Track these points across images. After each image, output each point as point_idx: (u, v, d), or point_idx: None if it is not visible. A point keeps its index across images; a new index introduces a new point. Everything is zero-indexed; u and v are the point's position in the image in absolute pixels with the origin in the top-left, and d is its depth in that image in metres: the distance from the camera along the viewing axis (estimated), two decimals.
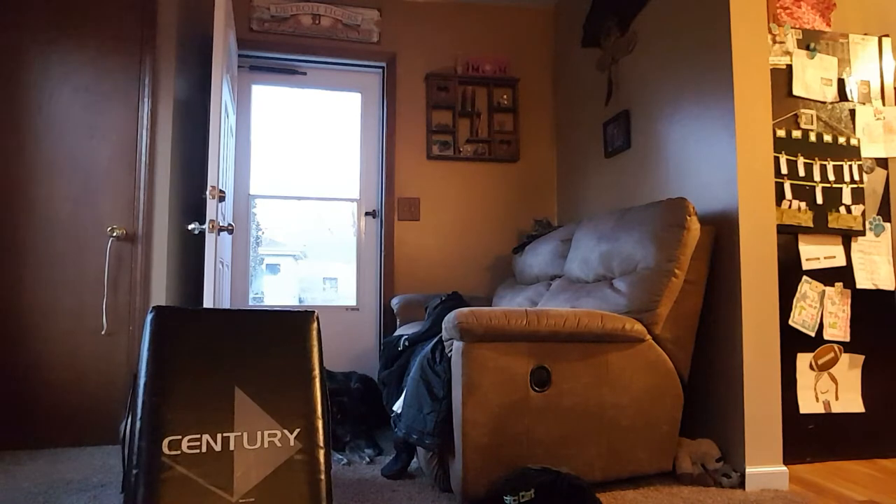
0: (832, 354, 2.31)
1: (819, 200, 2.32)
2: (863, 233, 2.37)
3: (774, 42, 2.35)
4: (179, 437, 1.26)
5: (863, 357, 2.34)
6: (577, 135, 3.49)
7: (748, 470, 1.94)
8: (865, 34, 2.49)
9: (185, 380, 1.32)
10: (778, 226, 2.12)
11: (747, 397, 1.96)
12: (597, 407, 1.86)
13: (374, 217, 3.65)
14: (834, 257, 2.34)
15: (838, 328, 2.32)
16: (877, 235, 2.41)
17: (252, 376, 1.38)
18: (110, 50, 2.57)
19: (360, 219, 3.66)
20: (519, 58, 3.77)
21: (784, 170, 2.29)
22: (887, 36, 2.51)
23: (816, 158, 2.34)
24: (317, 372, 1.44)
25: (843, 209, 2.35)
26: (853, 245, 2.37)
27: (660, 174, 2.58)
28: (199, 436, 1.28)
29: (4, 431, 2.37)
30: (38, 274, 2.45)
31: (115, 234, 2.51)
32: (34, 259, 2.45)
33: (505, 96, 3.71)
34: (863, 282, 2.36)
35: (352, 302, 3.62)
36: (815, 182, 2.33)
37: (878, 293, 2.38)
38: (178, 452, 1.25)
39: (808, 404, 2.25)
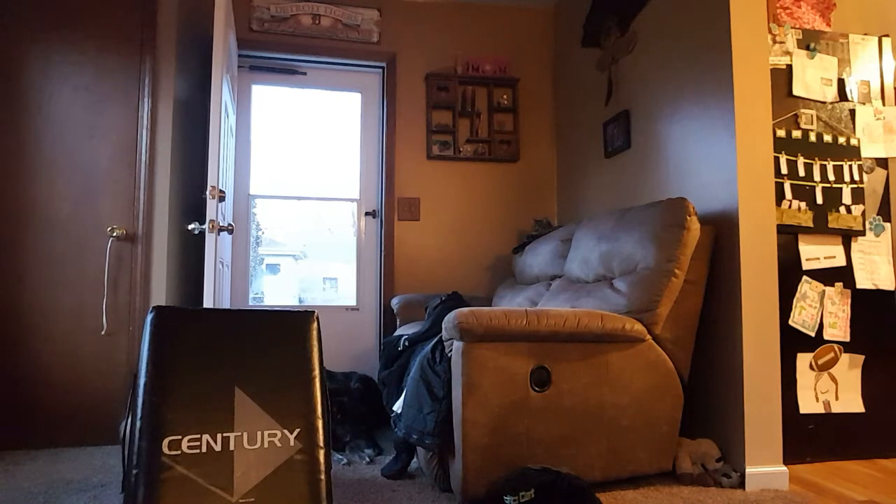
0: (832, 354, 2.31)
1: (819, 200, 2.32)
2: (863, 233, 2.37)
3: (774, 42, 2.35)
4: (179, 437, 1.26)
5: (863, 357, 2.34)
6: (577, 135, 3.49)
7: (748, 470, 1.94)
8: (865, 34, 2.49)
9: (185, 380, 1.32)
10: (778, 226, 2.12)
11: (747, 397, 1.96)
12: (597, 407, 1.86)
13: (374, 217, 3.65)
14: (834, 257, 2.34)
15: (838, 328, 2.32)
16: (877, 235, 2.41)
17: (252, 376, 1.38)
18: (110, 50, 2.57)
19: (360, 219, 3.66)
20: (519, 58, 3.77)
21: (784, 170, 2.29)
22: (887, 36, 2.51)
23: (816, 158, 2.34)
24: (317, 372, 1.44)
25: (843, 209, 2.35)
26: (853, 245, 2.37)
27: (660, 174, 2.58)
28: (199, 436, 1.28)
29: (4, 431, 2.37)
30: (38, 274, 2.45)
31: (115, 234, 2.51)
32: (34, 259, 2.45)
33: (505, 96, 3.71)
34: (863, 282, 2.36)
35: (352, 302, 3.62)
36: (815, 182, 2.33)
37: (878, 293, 2.38)
38: (178, 452, 1.25)
39: (808, 404, 2.25)
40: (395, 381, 2.44)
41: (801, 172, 2.32)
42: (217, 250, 2.26)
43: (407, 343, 2.55)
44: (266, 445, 1.32)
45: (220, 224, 2.26)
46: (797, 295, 2.28)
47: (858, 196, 2.37)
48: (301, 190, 3.69)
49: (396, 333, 2.94)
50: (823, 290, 2.31)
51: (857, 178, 2.38)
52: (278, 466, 1.31)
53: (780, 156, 2.28)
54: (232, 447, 1.29)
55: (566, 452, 1.82)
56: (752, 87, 2.08)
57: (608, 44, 3.08)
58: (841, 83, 2.42)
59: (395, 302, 3.26)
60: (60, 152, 2.51)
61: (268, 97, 3.63)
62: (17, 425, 2.39)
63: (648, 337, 1.95)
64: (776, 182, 2.22)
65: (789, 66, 2.36)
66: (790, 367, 2.23)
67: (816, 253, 2.32)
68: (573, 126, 3.54)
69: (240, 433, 1.31)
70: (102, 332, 2.48)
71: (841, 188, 2.36)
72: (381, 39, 3.59)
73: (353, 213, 3.71)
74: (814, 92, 2.38)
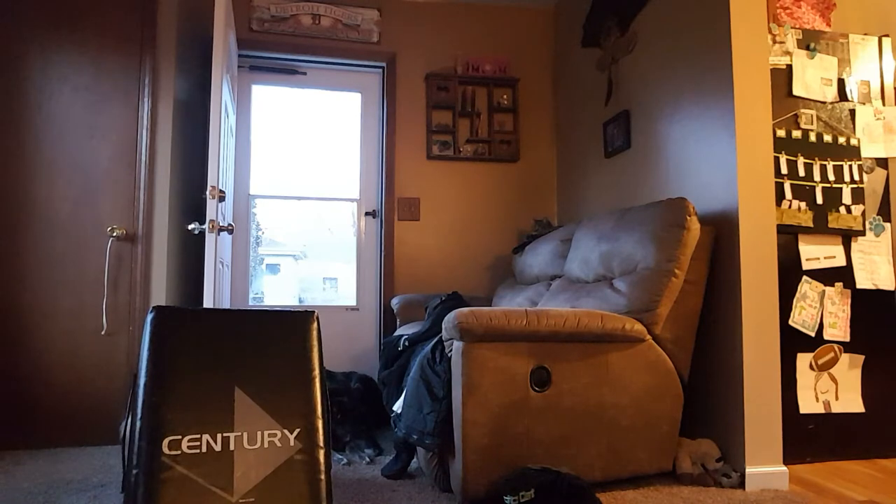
0: (832, 354, 2.31)
1: (819, 200, 2.32)
2: (863, 233, 2.37)
3: (774, 42, 2.35)
4: (179, 436, 1.26)
5: (863, 357, 2.34)
6: (577, 135, 3.49)
7: (748, 470, 1.94)
8: (865, 34, 2.49)
9: (185, 380, 1.32)
10: (778, 226, 2.12)
11: (747, 397, 1.96)
12: (597, 407, 1.86)
13: (374, 217, 3.65)
14: (834, 257, 2.34)
15: (838, 328, 2.32)
16: (877, 235, 2.41)
17: (252, 376, 1.38)
18: (110, 50, 2.57)
19: (360, 219, 3.66)
20: (519, 58, 3.77)
21: (784, 170, 2.29)
22: (887, 36, 2.51)
23: (816, 158, 2.34)
24: (317, 372, 1.44)
25: (843, 209, 2.35)
26: (853, 245, 2.37)
27: (660, 174, 2.58)
28: (199, 436, 1.27)
29: (4, 431, 2.38)
30: (38, 274, 2.45)
31: (115, 234, 2.51)
32: (34, 259, 2.45)
33: (505, 96, 3.71)
34: (863, 282, 2.36)
35: (352, 302, 3.62)
36: (815, 182, 2.33)
37: (878, 293, 2.38)
38: (178, 452, 1.25)
39: (808, 404, 2.25)
40: (395, 381, 2.44)
41: (801, 172, 2.32)
42: (217, 250, 2.26)
43: (407, 343, 2.55)
44: (266, 445, 1.32)
45: (220, 224, 2.26)
46: (797, 295, 2.28)
47: (858, 196, 2.37)
48: (301, 190, 3.69)
49: (396, 333, 2.94)
50: (823, 290, 2.31)
51: (857, 178, 2.38)
52: (278, 466, 1.31)
53: (780, 156, 2.28)
54: (232, 447, 1.29)
55: (566, 452, 1.82)
56: (752, 87, 2.08)
57: (608, 44, 3.08)
58: (841, 83, 2.42)
59: (395, 302, 3.26)
60: (60, 152, 2.51)
61: (268, 97, 3.63)
62: (17, 425, 2.39)
63: (648, 337, 1.95)
64: (776, 182, 2.22)
65: (789, 66, 2.36)
66: (790, 367, 2.23)
67: (816, 253, 2.32)
68: (573, 126, 3.54)
69: (240, 433, 1.31)
70: (102, 332, 2.48)
71: (841, 188, 2.36)
72: (381, 39, 3.59)
73: (353, 213, 3.71)
74: (814, 92, 2.38)
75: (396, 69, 3.60)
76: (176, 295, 2.74)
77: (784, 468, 1.97)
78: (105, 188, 2.54)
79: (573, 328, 1.82)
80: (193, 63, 3.02)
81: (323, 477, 1.34)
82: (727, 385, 2.04)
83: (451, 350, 1.84)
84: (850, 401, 2.31)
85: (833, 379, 2.30)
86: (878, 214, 2.42)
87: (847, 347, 2.32)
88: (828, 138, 2.37)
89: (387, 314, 3.44)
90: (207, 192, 2.21)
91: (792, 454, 2.11)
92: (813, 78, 2.38)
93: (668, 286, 1.98)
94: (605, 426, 1.87)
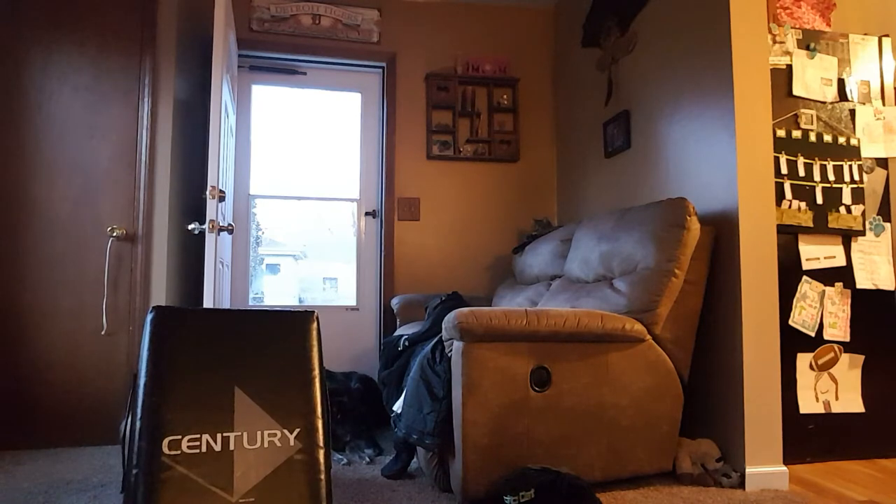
0: (832, 354, 2.31)
1: (819, 200, 2.32)
2: (863, 233, 2.37)
3: (774, 42, 2.35)
4: (179, 436, 1.26)
5: (863, 357, 2.34)
6: (577, 135, 3.49)
7: (748, 470, 1.94)
8: (865, 34, 2.49)
9: (185, 380, 1.32)
10: (778, 226, 2.12)
11: (747, 397, 1.96)
12: (597, 407, 1.86)
13: (374, 217, 3.65)
14: (834, 257, 2.34)
15: (838, 328, 2.32)
16: (877, 235, 2.41)
17: (252, 376, 1.37)
18: (110, 50, 2.57)
19: (360, 219, 3.66)
20: (519, 58, 3.77)
21: (784, 170, 2.29)
22: (887, 36, 2.51)
23: (816, 158, 2.34)
24: (316, 372, 1.44)
25: (843, 209, 2.35)
26: (853, 245, 2.37)
27: (660, 174, 2.58)
28: (198, 436, 1.27)
29: (4, 431, 2.38)
30: (38, 274, 2.45)
31: (115, 234, 2.51)
32: (34, 259, 2.45)
33: (505, 96, 3.71)
34: (863, 282, 2.36)
35: (352, 302, 3.62)
36: (815, 182, 2.33)
37: (878, 293, 2.38)
38: (178, 452, 1.25)
39: (808, 404, 2.25)
40: (395, 381, 2.44)
41: (801, 172, 2.32)
42: (217, 250, 2.26)
43: (407, 343, 2.55)
44: (266, 445, 1.32)
45: (220, 224, 2.26)
46: (797, 295, 2.28)
47: (858, 196, 2.37)
48: (301, 190, 3.69)
49: (396, 333, 2.94)
50: (823, 290, 2.31)
51: (857, 178, 2.38)
52: (278, 466, 1.31)
53: (780, 156, 2.28)
54: (232, 447, 1.29)
55: (566, 452, 1.82)
56: (752, 87, 2.08)
57: (608, 44, 3.08)
58: (841, 83, 2.42)
59: (395, 302, 3.26)
60: (60, 152, 2.51)
61: (268, 97, 3.63)
62: (17, 425, 2.39)
63: (648, 337, 1.95)
64: (776, 182, 2.22)
65: (789, 66, 2.36)
66: (790, 367, 2.23)
67: (816, 253, 2.32)
68: (573, 126, 3.54)
69: (240, 433, 1.31)
70: (102, 332, 2.48)
71: (841, 188, 2.36)
72: (381, 39, 3.59)
73: (353, 213, 3.71)
74: (814, 92, 2.38)
75: (396, 69, 3.60)
76: (176, 295, 2.74)
77: (784, 468, 1.97)
78: (105, 188, 2.54)
79: (573, 328, 1.82)
80: (193, 63, 3.02)
81: (323, 477, 1.34)
82: (727, 385, 2.04)
83: (451, 350, 1.84)
84: (850, 401, 2.31)
85: (833, 379, 2.30)
86: (878, 214, 2.42)
87: (847, 347, 2.32)
88: (828, 138, 2.37)
89: (387, 314, 3.44)
90: (207, 192, 2.21)
91: (792, 454, 2.11)
92: (813, 78, 2.38)
93: (668, 286, 1.98)
94: (605, 426, 1.87)
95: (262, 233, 3.94)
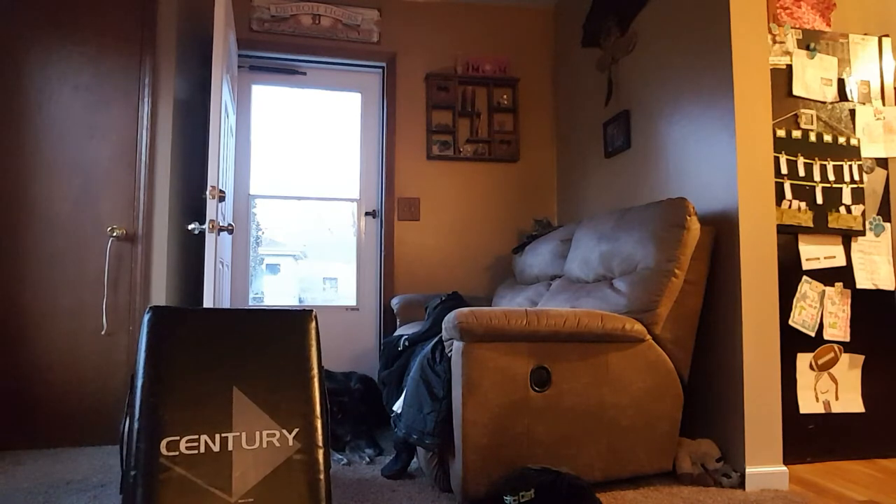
0: (832, 354, 2.31)
1: (819, 200, 2.32)
2: (863, 233, 2.37)
3: (774, 42, 2.35)
4: (177, 437, 1.25)
5: (863, 357, 2.34)
6: (577, 135, 3.49)
7: (748, 470, 1.93)
8: (865, 34, 2.49)
9: (183, 380, 1.32)
10: (778, 226, 2.12)
11: (747, 397, 1.96)
12: (597, 407, 1.86)
13: (374, 217, 3.65)
14: (834, 257, 2.34)
15: (838, 328, 2.32)
16: (877, 235, 2.41)
17: (250, 376, 1.37)
18: (110, 50, 2.57)
19: (360, 219, 3.66)
20: (519, 58, 3.76)
21: (784, 170, 2.29)
22: (887, 36, 2.51)
23: (816, 158, 2.34)
24: (315, 371, 1.43)
25: (843, 209, 2.35)
26: (853, 245, 2.37)
27: (660, 174, 2.58)
28: (197, 436, 1.27)
29: (4, 431, 2.38)
30: (38, 274, 2.45)
31: (115, 234, 2.52)
32: (34, 259, 2.46)
33: (505, 96, 3.71)
34: (863, 282, 2.36)
35: (352, 302, 3.62)
36: (815, 182, 2.33)
37: (878, 293, 2.38)
38: (177, 453, 1.24)
39: (808, 404, 2.25)
40: (395, 381, 2.44)
41: (801, 172, 2.32)
42: (217, 250, 2.26)
43: (407, 343, 2.55)
44: (265, 445, 1.31)
45: (220, 224, 2.26)
46: (797, 295, 2.28)
47: (858, 196, 2.37)
48: (301, 190, 3.69)
49: (396, 333, 2.94)
50: (823, 290, 2.31)
51: (857, 178, 2.38)
52: (277, 467, 1.30)
53: (780, 156, 2.28)
54: (230, 447, 1.28)
55: (566, 452, 1.82)
56: (752, 87, 2.07)
57: (608, 44, 3.08)
58: (841, 83, 2.42)
59: (395, 302, 3.26)
60: (60, 152, 2.51)
61: (268, 97, 3.63)
62: (17, 425, 2.39)
63: (648, 337, 1.95)
64: (776, 182, 2.22)
65: (789, 66, 2.36)
66: (790, 367, 2.23)
67: (816, 253, 2.32)
68: (573, 126, 3.54)
69: (238, 433, 1.30)
70: (102, 332, 2.48)
71: (841, 188, 2.36)
72: (381, 39, 3.59)
73: (353, 213, 3.71)
74: (814, 92, 2.38)
75: (396, 69, 3.60)
76: (176, 295, 2.74)
77: (784, 468, 1.97)
78: (105, 188, 2.54)
79: (573, 328, 1.82)
80: (193, 63, 3.02)
81: (322, 477, 1.33)
82: (727, 385, 2.04)
83: (451, 350, 1.84)
84: (850, 401, 2.31)
85: (833, 379, 2.30)
86: (878, 214, 2.42)
87: (847, 347, 2.32)
88: (828, 138, 2.36)
89: (387, 314, 3.44)
90: (207, 192, 2.21)
91: (792, 454, 2.11)
92: (813, 78, 2.38)
93: (668, 286, 1.98)
94: (605, 426, 1.87)
95: (262, 233, 3.94)
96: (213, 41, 2.36)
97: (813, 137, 2.35)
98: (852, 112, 2.42)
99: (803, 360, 2.27)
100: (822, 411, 2.27)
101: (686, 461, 1.98)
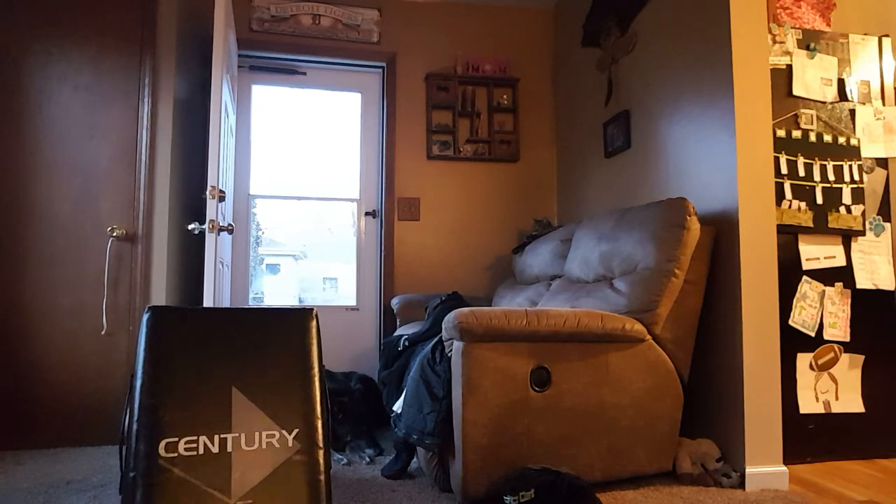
0: (832, 354, 2.31)
1: (819, 200, 2.32)
2: (863, 233, 2.37)
3: (774, 42, 2.35)
4: (176, 438, 1.24)
5: (863, 357, 2.34)
6: (577, 135, 3.49)
7: (748, 470, 1.93)
8: (865, 34, 2.49)
9: (182, 380, 1.31)
10: (778, 226, 2.12)
11: (747, 397, 1.96)
12: (597, 407, 1.86)
13: (374, 217, 3.65)
14: (834, 257, 2.34)
15: (838, 328, 2.32)
16: (877, 235, 2.41)
17: (250, 376, 1.36)
18: (110, 50, 2.57)
19: (360, 219, 3.66)
20: (519, 58, 3.76)
21: (784, 170, 2.29)
22: (887, 36, 2.51)
23: (816, 158, 2.34)
24: (316, 370, 1.42)
25: (843, 209, 2.35)
26: (853, 245, 2.37)
27: (660, 174, 2.58)
28: (195, 437, 1.26)
29: (4, 431, 2.38)
30: (38, 274, 2.45)
31: (115, 234, 2.52)
32: (34, 259, 2.45)
33: (505, 96, 3.70)
34: (863, 282, 2.36)
35: (352, 302, 3.62)
36: (815, 182, 2.33)
37: (878, 293, 2.38)
38: (175, 454, 1.23)
39: (808, 404, 2.25)
40: (395, 381, 2.44)
41: (801, 172, 2.32)
42: (217, 250, 2.26)
43: (407, 343, 2.55)
44: (264, 446, 1.30)
45: (220, 224, 2.26)
46: (797, 295, 2.28)
47: (858, 196, 2.37)
48: (301, 190, 3.69)
49: (396, 333, 2.94)
50: (823, 290, 2.31)
51: (857, 178, 2.38)
52: (277, 467, 1.29)
53: (780, 156, 2.28)
54: (230, 448, 1.27)
55: (566, 452, 1.82)
56: (752, 87, 2.07)
57: (608, 44, 3.08)
58: (841, 83, 2.42)
59: (395, 302, 3.26)
60: (60, 152, 2.51)
61: (268, 97, 3.63)
62: (17, 425, 2.39)
63: (648, 337, 1.95)
64: (776, 182, 2.22)
65: (789, 66, 2.36)
66: (790, 367, 2.23)
67: (816, 253, 2.32)
68: (573, 126, 3.54)
69: (237, 434, 1.29)
70: (102, 332, 2.48)
71: (841, 188, 2.36)
72: (381, 39, 3.59)
73: (353, 213, 3.71)
74: (814, 92, 2.37)
75: (396, 69, 3.60)
76: (176, 295, 2.74)
77: (784, 468, 1.97)
78: (105, 188, 2.54)
79: (573, 328, 1.82)
80: (193, 63, 3.02)
81: (322, 478, 1.32)
82: (727, 385, 2.04)
83: (451, 350, 1.84)
84: (850, 401, 2.31)
85: (833, 379, 2.30)
86: (878, 214, 2.42)
87: (847, 347, 2.32)
88: (828, 138, 2.36)
89: (387, 314, 3.44)
90: (207, 192, 2.21)
91: (792, 454, 2.11)
92: (813, 78, 2.38)
93: (668, 286, 1.98)
94: (605, 426, 1.87)
95: (262, 233, 3.95)
96: (213, 41, 2.36)
97: (813, 137, 2.35)
98: (852, 112, 2.42)
99: (803, 360, 2.27)
100: (822, 411, 2.27)
101: (686, 461, 1.98)
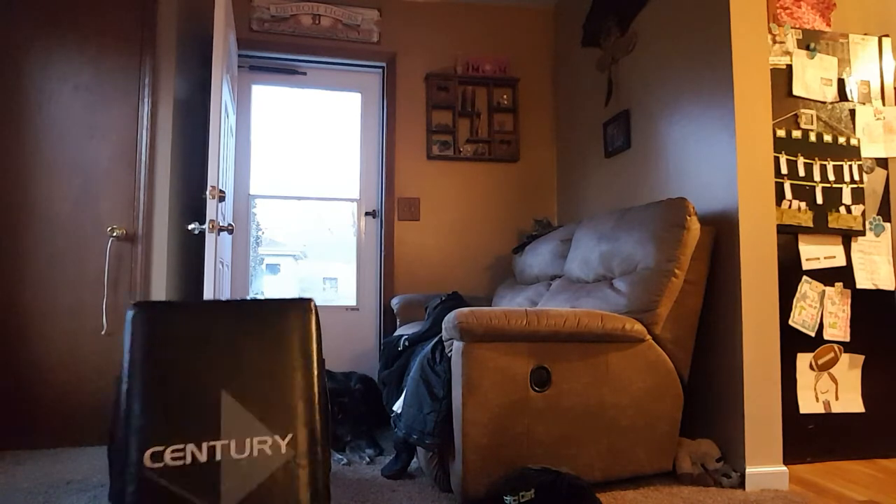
0: (832, 354, 2.31)
1: (819, 200, 2.32)
2: (863, 233, 2.37)
3: (774, 42, 2.35)
4: (162, 447, 1.16)
5: (863, 357, 2.34)
6: (577, 135, 3.49)
7: (748, 470, 1.93)
8: (865, 34, 2.49)
9: (168, 384, 1.22)
10: (778, 226, 2.12)
11: (747, 397, 1.96)
12: (597, 407, 1.86)
13: (374, 217, 3.65)
14: (834, 257, 2.34)
15: (838, 328, 2.32)
16: (877, 235, 2.41)
17: (240, 377, 1.26)
18: (110, 50, 2.57)
19: (360, 219, 3.66)
20: (519, 58, 3.76)
21: (784, 170, 2.29)
22: (887, 36, 2.51)
23: (816, 158, 2.34)
24: (315, 369, 1.31)
25: (843, 209, 2.35)
26: (853, 245, 2.37)
27: (660, 174, 2.58)
28: (182, 446, 1.17)
29: (4, 431, 2.37)
30: (38, 274, 2.45)
31: (115, 234, 2.51)
32: (34, 259, 2.45)
33: (505, 96, 3.70)
34: (863, 282, 2.36)
35: (352, 302, 3.62)
36: (815, 182, 2.33)
37: (878, 293, 2.38)
38: (161, 464, 1.16)
39: (808, 404, 2.25)
40: (395, 381, 2.44)
41: (801, 172, 2.32)
42: (217, 250, 2.26)
43: (407, 343, 2.55)
44: (255, 454, 1.21)
45: (220, 224, 2.26)
46: (797, 295, 2.28)
47: (858, 196, 2.37)
48: (301, 190, 3.69)
49: (396, 333, 2.94)
50: (823, 290, 2.31)
51: (857, 178, 2.38)
52: (269, 476, 1.21)
53: (780, 156, 2.28)
54: (218, 457, 1.19)
55: (566, 452, 1.82)
56: (752, 87, 2.07)
57: (608, 44, 3.08)
58: (841, 83, 2.42)
59: (395, 302, 3.26)
60: (60, 152, 2.51)
61: (268, 97, 3.63)
62: (17, 425, 2.39)
63: (648, 337, 1.95)
64: (776, 182, 2.22)
65: (789, 66, 2.36)
66: (790, 367, 2.23)
67: (816, 253, 2.32)
68: (573, 126, 3.54)
69: (227, 441, 1.20)
70: (102, 332, 2.48)
71: (841, 188, 2.36)
72: (381, 39, 3.59)
73: (353, 213, 3.71)
74: (814, 92, 2.38)
75: (396, 69, 3.60)
76: (176, 295, 2.74)
77: (784, 468, 1.97)
78: (105, 188, 2.54)
79: (573, 328, 1.82)
80: (193, 63, 3.02)
81: (319, 486, 1.24)
82: (727, 385, 2.04)
83: (451, 350, 1.84)
84: (850, 401, 2.31)
85: (833, 379, 2.30)
86: (878, 214, 2.42)
87: (847, 347, 2.32)
88: (828, 138, 2.36)
89: (387, 314, 3.44)
90: (207, 192, 2.21)
91: (792, 454, 2.11)
92: (813, 78, 2.38)
93: (668, 286, 1.98)
94: (605, 426, 1.87)
95: (262, 233, 3.95)
96: (213, 41, 2.36)
97: (813, 137, 2.35)
98: (852, 112, 2.42)
99: (803, 360, 2.27)
100: (822, 411, 2.27)
101: (686, 461, 1.98)
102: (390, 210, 3.53)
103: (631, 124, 2.85)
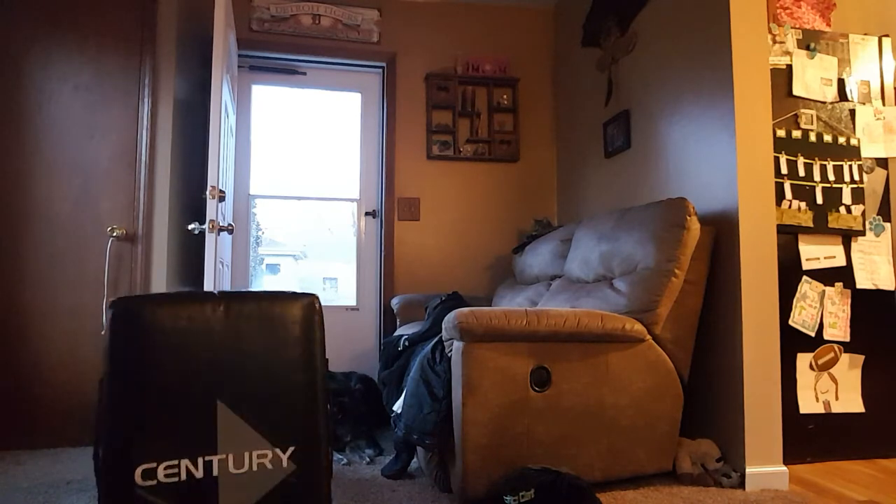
0: (832, 354, 2.31)
1: (819, 200, 2.32)
2: (863, 233, 2.37)
3: (774, 42, 2.35)
4: (154, 464, 1.07)
5: (863, 357, 2.34)
6: (577, 135, 3.49)
7: (748, 470, 1.93)
8: (865, 34, 2.49)
9: (158, 394, 1.11)
10: (778, 226, 2.12)
11: (747, 397, 1.96)
12: (597, 407, 1.86)
13: (374, 217, 3.65)
14: (834, 257, 2.34)
15: (838, 328, 2.32)
16: (877, 235, 2.41)
17: (238, 383, 1.15)
18: (110, 50, 2.57)
19: (360, 219, 3.66)
20: (519, 58, 3.76)
21: (784, 170, 2.29)
22: (887, 36, 2.51)
23: (816, 158, 2.34)
24: (319, 374, 1.22)
25: (843, 209, 2.35)
26: (853, 245, 2.37)
27: (660, 174, 2.58)
28: (176, 461, 1.09)
29: (4, 431, 2.37)
30: (38, 274, 2.45)
31: (115, 234, 2.51)
32: (34, 259, 2.45)
33: (505, 96, 3.70)
34: (863, 282, 2.36)
35: (352, 302, 3.62)
36: (815, 182, 2.33)
37: (878, 293, 2.38)
38: (154, 482, 1.06)
39: (808, 404, 2.25)
40: (395, 381, 2.44)
41: (801, 172, 2.32)
42: (217, 250, 2.26)
43: (407, 343, 2.55)
44: (255, 468, 1.14)
45: (220, 224, 2.26)
46: (797, 295, 2.28)
47: (858, 196, 2.37)
48: (301, 190, 3.69)
49: (396, 333, 2.94)
50: (823, 290, 2.31)
51: (857, 178, 2.38)
52: (269, 492, 1.14)
53: (780, 156, 2.28)
54: (215, 473, 1.11)
55: (566, 452, 1.82)
56: (752, 87, 2.07)
57: (608, 44, 3.08)
58: (841, 83, 2.42)
59: (395, 302, 3.26)
60: (60, 152, 2.50)
61: (268, 97, 3.63)
62: (17, 425, 2.39)
63: (648, 337, 1.95)
64: (776, 182, 2.22)
65: (789, 66, 2.36)
66: (790, 367, 2.23)
67: (816, 253, 2.32)
68: (573, 126, 3.54)
69: (224, 456, 1.12)
70: (102, 332, 2.48)
71: (841, 188, 2.36)
72: (381, 39, 3.59)
73: (353, 213, 3.71)
74: (814, 92, 2.38)
75: (396, 69, 3.60)
76: None
77: (784, 468, 1.97)
78: (105, 188, 2.54)
79: (573, 328, 1.82)
80: (193, 63, 3.02)
81: (322, 501, 1.17)
82: (727, 385, 2.04)
83: (451, 350, 1.84)
84: (850, 401, 2.31)
85: (833, 379, 2.30)
86: (878, 214, 2.42)
87: (847, 347, 2.32)
88: (828, 138, 2.36)
89: (387, 314, 3.44)
90: (207, 192, 2.21)
91: (792, 454, 2.10)
92: (813, 78, 2.38)
93: (668, 286, 1.97)
94: (605, 426, 1.87)
95: (262, 233, 3.95)
96: (213, 41, 2.36)
97: (813, 137, 2.35)
98: (852, 112, 2.42)
99: (803, 360, 2.27)
100: (822, 411, 2.27)
101: (686, 461, 1.98)
102: (390, 210, 3.53)
103: (631, 124, 2.85)
